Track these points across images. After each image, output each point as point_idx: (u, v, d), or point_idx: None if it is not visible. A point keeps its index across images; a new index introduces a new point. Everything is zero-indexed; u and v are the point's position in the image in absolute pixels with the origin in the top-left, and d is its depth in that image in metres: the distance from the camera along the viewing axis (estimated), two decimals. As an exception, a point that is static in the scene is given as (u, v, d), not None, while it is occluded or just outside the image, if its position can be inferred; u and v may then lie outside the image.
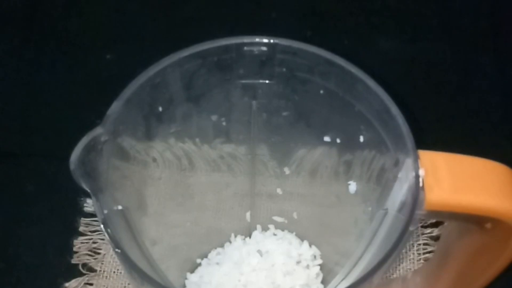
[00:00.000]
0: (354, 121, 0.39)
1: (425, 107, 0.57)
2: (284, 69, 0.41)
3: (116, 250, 0.33)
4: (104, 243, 0.51)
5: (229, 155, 0.47)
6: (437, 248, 0.49)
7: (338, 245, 0.47)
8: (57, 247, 0.50)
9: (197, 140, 0.45)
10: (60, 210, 0.52)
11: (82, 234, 0.51)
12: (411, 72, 0.61)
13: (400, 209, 0.36)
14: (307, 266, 0.48)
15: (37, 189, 0.54)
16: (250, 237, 0.50)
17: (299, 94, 0.42)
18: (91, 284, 0.49)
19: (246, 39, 0.40)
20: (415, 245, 0.51)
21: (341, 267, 0.45)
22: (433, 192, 0.33)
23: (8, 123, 0.59)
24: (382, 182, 0.39)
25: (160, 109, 0.41)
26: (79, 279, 0.49)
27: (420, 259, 0.50)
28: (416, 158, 0.34)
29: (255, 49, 0.40)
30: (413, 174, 0.34)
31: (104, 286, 0.49)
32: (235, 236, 0.50)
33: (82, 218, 0.52)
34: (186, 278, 0.48)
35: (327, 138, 0.44)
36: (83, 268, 0.50)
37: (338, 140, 0.43)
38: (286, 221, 0.50)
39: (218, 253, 0.49)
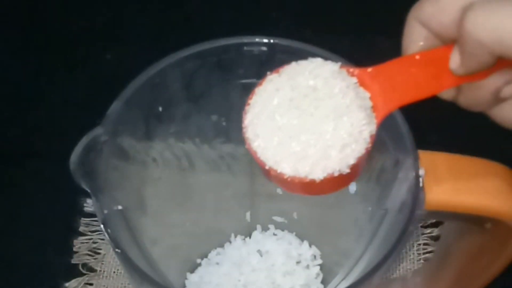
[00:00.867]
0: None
1: (425, 107, 0.57)
2: (284, 69, 0.41)
3: (116, 250, 0.33)
4: (104, 243, 0.51)
5: (229, 155, 0.47)
6: (437, 248, 0.49)
7: (338, 245, 0.47)
8: (57, 247, 0.50)
9: (197, 140, 0.45)
10: (60, 210, 0.52)
11: (82, 234, 0.51)
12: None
13: (400, 209, 0.36)
14: (307, 266, 0.48)
15: (37, 189, 0.54)
16: (250, 237, 0.50)
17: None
18: (91, 284, 0.49)
19: (246, 39, 0.40)
20: (415, 245, 0.51)
21: (341, 267, 0.45)
22: (433, 192, 0.33)
23: (8, 123, 0.59)
24: (382, 182, 0.39)
25: (160, 109, 0.41)
26: (79, 279, 0.49)
27: (420, 259, 0.50)
28: (416, 158, 0.34)
29: (255, 49, 0.40)
30: (413, 174, 0.34)
31: (104, 286, 0.49)
32: (235, 236, 0.50)
33: (82, 218, 0.52)
34: (186, 278, 0.48)
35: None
36: (83, 268, 0.50)
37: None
38: (286, 221, 0.50)
39: (218, 253, 0.49)
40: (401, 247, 0.33)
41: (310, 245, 0.49)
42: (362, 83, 0.31)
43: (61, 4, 0.67)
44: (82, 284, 0.49)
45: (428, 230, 0.51)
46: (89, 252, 0.50)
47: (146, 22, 0.66)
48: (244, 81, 0.42)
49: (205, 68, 0.40)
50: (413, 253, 0.51)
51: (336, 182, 0.31)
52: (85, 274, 0.49)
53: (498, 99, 0.30)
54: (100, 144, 0.35)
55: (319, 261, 0.48)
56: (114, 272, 0.50)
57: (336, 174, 0.30)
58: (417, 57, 0.31)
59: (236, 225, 0.50)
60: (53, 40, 0.64)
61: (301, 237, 0.50)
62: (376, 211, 0.39)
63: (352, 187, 0.43)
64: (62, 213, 0.52)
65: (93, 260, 0.50)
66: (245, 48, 0.40)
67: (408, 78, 0.31)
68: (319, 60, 0.32)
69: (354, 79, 0.31)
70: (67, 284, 0.49)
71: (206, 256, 0.49)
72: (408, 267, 0.50)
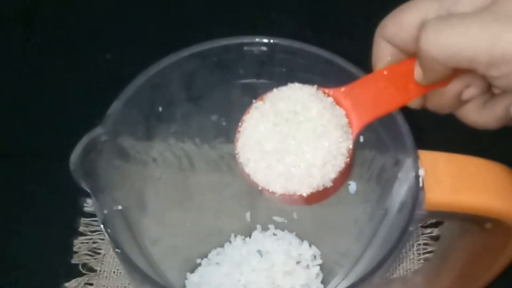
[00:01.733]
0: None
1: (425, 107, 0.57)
2: (284, 69, 0.41)
3: (116, 250, 0.33)
4: (104, 243, 0.51)
5: (229, 155, 0.47)
6: (437, 248, 0.49)
7: (338, 245, 0.47)
8: (57, 247, 0.50)
9: (197, 140, 0.45)
10: (60, 210, 0.52)
11: (82, 234, 0.51)
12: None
13: (400, 209, 0.36)
14: (307, 266, 0.48)
15: (37, 189, 0.54)
16: (250, 237, 0.50)
17: (299, 94, 0.42)
18: (91, 284, 0.49)
19: (246, 39, 0.40)
20: (415, 245, 0.51)
21: (341, 267, 0.45)
22: (433, 192, 0.33)
23: (8, 123, 0.59)
24: (382, 182, 0.39)
25: (160, 109, 0.41)
26: (79, 279, 0.49)
27: (420, 259, 0.50)
28: (416, 158, 0.34)
29: (255, 49, 0.40)
30: (413, 174, 0.34)
31: (104, 286, 0.49)
32: (235, 236, 0.50)
33: (82, 218, 0.52)
34: (186, 278, 0.48)
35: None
36: (83, 268, 0.50)
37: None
38: (286, 221, 0.50)
39: (218, 253, 0.49)
40: (401, 247, 0.33)
41: (310, 245, 0.49)
42: (337, 102, 0.35)
43: (61, 4, 0.67)
44: (82, 284, 0.49)
45: (428, 230, 0.51)
46: (89, 252, 0.50)
47: (146, 22, 0.66)
48: (244, 81, 0.42)
49: (205, 68, 0.40)
50: (413, 253, 0.51)
51: (323, 194, 0.35)
52: (85, 274, 0.49)
53: (460, 101, 0.33)
54: (100, 144, 0.35)
55: (319, 261, 0.48)
56: (114, 272, 0.50)
57: (320, 188, 0.34)
58: (385, 72, 0.34)
59: (236, 225, 0.50)
60: (53, 40, 0.64)
61: (301, 237, 0.50)
62: (376, 211, 0.39)
63: (352, 187, 0.43)
64: (62, 213, 0.52)
65: (93, 260, 0.50)
66: (245, 48, 0.40)
67: (378, 93, 0.34)
68: (297, 85, 0.35)
69: (330, 99, 0.35)
70: (67, 284, 0.49)
71: (206, 256, 0.49)
72: (408, 267, 0.50)
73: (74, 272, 0.49)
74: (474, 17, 0.29)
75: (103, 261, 0.50)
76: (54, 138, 0.56)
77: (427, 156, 0.34)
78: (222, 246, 0.50)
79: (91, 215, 0.52)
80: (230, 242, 0.50)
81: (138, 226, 0.39)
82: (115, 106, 0.37)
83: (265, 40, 0.40)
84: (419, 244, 0.51)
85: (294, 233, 0.50)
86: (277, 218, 0.50)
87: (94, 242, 0.51)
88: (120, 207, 0.37)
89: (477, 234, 0.38)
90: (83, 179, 0.34)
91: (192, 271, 0.49)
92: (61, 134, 0.54)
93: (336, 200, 0.46)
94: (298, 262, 0.48)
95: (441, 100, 0.33)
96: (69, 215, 0.52)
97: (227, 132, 0.45)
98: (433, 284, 0.45)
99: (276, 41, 0.40)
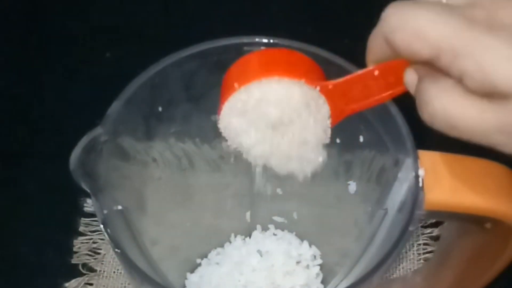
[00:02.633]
0: (354, 121, 0.39)
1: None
2: (284, 69, 0.41)
3: (116, 250, 0.33)
4: (104, 243, 0.51)
5: (229, 155, 0.47)
6: (437, 248, 0.49)
7: (338, 245, 0.47)
8: (57, 247, 0.50)
9: (197, 140, 0.45)
10: (60, 210, 0.52)
11: (82, 234, 0.51)
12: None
13: (400, 209, 0.36)
14: (307, 266, 0.48)
15: (37, 189, 0.54)
16: (250, 237, 0.50)
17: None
18: (91, 284, 0.49)
19: (246, 39, 0.40)
20: (415, 245, 0.51)
21: (341, 267, 0.45)
22: (433, 192, 0.33)
23: (8, 123, 0.59)
24: (382, 182, 0.39)
25: (160, 109, 0.41)
26: (79, 279, 0.49)
27: (420, 259, 0.50)
28: (416, 158, 0.34)
29: (255, 49, 0.40)
30: (413, 174, 0.34)
31: (104, 286, 0.49)
32: (235, 236, 0.50)
33: (82, 218, 0.52)
34: (186, 278, 0.48)
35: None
36: (83, 268, 0.50)
37: (338, 140, 0.43)
38: (286, 221, 0.50)
39: (218, 253, 0.49)
40: (401, 247, 0.33)
41: (310, 245, 0.49)
42: (323, 93, 0.34)
43: (61, 4, 0.67)
44: (82, 284, 0.49)
45: (428, 230, 0.51)
46: (89, 252, 0.50)
47: (146, 22, 0.66)
48: (244, 81, 0.42)
49: (205, 68, 0.40)
50: (413, 253, 0.51)
51: None
52: (85, 274, 0.49)
53: None
54: (100, 144, 0.35)
55: (319, 261, 0.48)
56: (114, 272, 0.50)
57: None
58: (376, 72, 0.33)
59: (236, 225, 0.50)
60: (53, 40, 0.64)
61: (301, 237, 0.50)
62: (376, 211, 0.39)
63: (352, 187, 0.43)
64: (62, 213, 0.52)
65: (93, 260, 0.50)
66: (245, 48, 0.40)
67: (363, 89, 0.34)
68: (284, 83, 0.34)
69: (316, 92, 0.34)
70: (67, 284, 0.49)
71: (206, 256, 0.49)
72: (408, 267, 0.50)
73: (74, 272, 0.49)
74: None
75: (103, 261, 0.50)
76: (54, 138, 0.56)
77: (427, 156, 0.34)
78: (222, 246, 0.50)
79: (91, 215, 0.52)
80: (230, 242, 0.50)
81: (138, 226, 0.39)
82: (115, 106, 0.37)
83: (265, 40, 0.40)
84: (419, 244, 0.51)
85: (294, 233, 0.50)
86: (277, 218, 0.50)
87: (94, 242, 0.51)
88: (120, 207, 0.37)
89: (477, 234, 0.38)
90: (83, 179, 0.34)
91: (192, 271, 0.49)
92: (61, 134, 0.54)
93: (336, 200, 0.46)
94: (298, 262, 0.48)
95: None
96: (69, 215, 0.52)
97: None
98: (433, 284, 0.45)
99: (276, 41, 0.40)
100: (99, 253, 0.51)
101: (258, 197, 0.49)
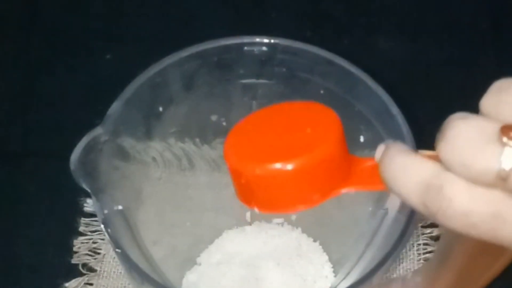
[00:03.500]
0: (354, 121, 0.39)
1: (425, 107, 0.57)
2: (284, 69, 0.41)
3: (116, 250, 0.33)
4: (104, 243, 0.51)
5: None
6: (437, 248, 0.49)
7: (338, 245, 0.47)
8: (57, 247, 0.50)
9: (197, 140, 0.45)
10: (60, 210, 0.52)
11: (82, 234, 0.51)
12: (411, 72, 0.61)
13: (400, 209, 0.36)
14: (310, 260, 0.48)
15: (37, 189, 0.54)
16: (249, 237, 0.50)
17: (299, 94, 0.42)
18: (91, 284, 0.49)
19: (246, 39, 0.40)
20: (415, 245, 0.51)
21: (341, 267, 0.45)
22: (433, 192, 0.33)
23: (8, 123, 0.59)
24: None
25: (160, 109, 0.41)
26: (79, 279, 0.49)
27: (420, 259, 0.50)
28: (416, 158, 0.34)
29: (255, 49, 0.40)
30: (413, 174, 0.34)
31: (104, 286, 0.49)
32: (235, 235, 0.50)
33: (82, 218, 0.52)
34: (185, 278, 0.48)
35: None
36: (83, 268, 0.50)
37: (338, 140, 0.43)
38: (285, 222, 0.50)
39: (218, 253, 0.49)
40: (401, 247, 0.33)
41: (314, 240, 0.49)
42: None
43: (61, 4, 0.67)
44: (82, 284, 0.49)
45: (428, 230, 0.51)
46: (89, 252, 0.50)
47: (146, 22, 0.66)
48: (244, 81, 0.42)
49: (205, 68, 0.40)
50: (413, 253, 0.51)
51: None
52: (85, 274, 0.49)
53: None
54: (100, 144, 0.35)
55: (323, 255, 0.48)
56: (114, 272, 0.50)
57: None
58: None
59: (236, 225, 0.50)
60: (53, 40, 0.64)
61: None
62: (376, 211, 0.39)
63: (352, 187, 0.43)
64: (62, 213, 0.52)
65: (93, 260, 0.50)
66: (245, 48, 0.40)
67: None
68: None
69: None
70: (67, 284, 0.49)
71: (206, 256, 0.49)
72: (408, 267, 0.50)
73: (74, 272, 0.49)
74: None
75: (103, 261, 0.50)
76: (54, 138, 0.56)
77: (427, 156, 0.34)
78: (222, 245, 0.50)
79: (91, 215, 0.52)
80: (230, 241, 0.50)
81: (138, 226, 0.39)
82: (115, 106, 0.37)
83: (265, 40, 0.40)
84: (419, 244, 0.51)
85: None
86: (277, 220, 0.50)
87: (94, 242, 0.51)
88: (120, 207, 0.37)
89: (477, 234, 0.38)
90: (83, 179, 0.34)
91: (191, 271, 0.49)
92: (61, 134, 0.54)
93: (337, 200, 0.46)
94: (299, 255, 0.48)
95: None
96: (69, 215, 0.52)
97: (227, 132, 0.45)
98: (433, 284, 0.45)
99: (276, 41, 0.40)
100: (99, 253, 0.50)
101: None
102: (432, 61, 0.62)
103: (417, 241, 0.51)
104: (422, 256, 0.50)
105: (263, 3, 0.67)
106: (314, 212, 0.48)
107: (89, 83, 0.60)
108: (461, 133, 0.22)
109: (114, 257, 0.50)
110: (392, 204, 0.37)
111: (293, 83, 0.41)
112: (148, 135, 0.42)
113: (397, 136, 0.36)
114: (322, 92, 0.40)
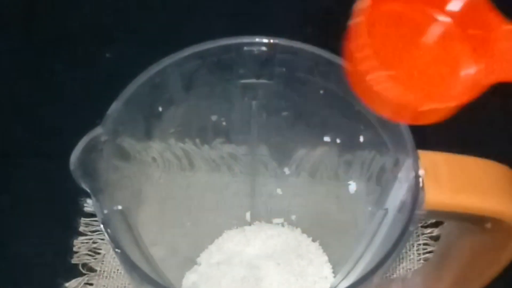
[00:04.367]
0: (354, 121, 0.39)
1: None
2: (284, 69, 0.41)
3: (116, 250, 0.33)
4: (104, 243, 0.51)
5: (229, 155, 0.47)
6: (437, 248, 0.49)
7: (338, 245, 0.47)
8: (57, 247, 0.50)
9: (197, 140, 0.45)
10: (60, 210, 0.52)
11: (82, 234, 0.51)
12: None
13: (400, 209, 0.36)
14: (311, 261, 0.48)
15: (37, 189, 0.54)
16: (249, 237, 0.50)
17: (299, 94, 0.42)
18: (91, 284, 0.49)
19: (246, 39, 0.40)
20: (415, 245, 0.51)
21: (341, 267, 0.45)
22: (433, 192, 0.33)
23: (8, 123, 0.59)
24: (382, 182, 0.39)
25: (160, 109, 0.41)
26: (79, 279, 0.49)
27: (420, 259, 0.50)
28: (416, 158, 0.34)
29: (255, 49, 0.40)
30: (413, 174, 0.34)
31: (104, 286, 0.49)
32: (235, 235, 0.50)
33: (82, 218, 0.52)
34: (185, 278, 0.48)
35: (327, 138, 0.44)
36: (83, 268, 0.50)
37: (338, 140, 0.43)
38: (285, 222, 0.50)
39: (218, 253, 0.49)
40: (401, 247, 0.33)
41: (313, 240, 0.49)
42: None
43: (61, 4, 0.67)
44: (82, 284, 0.49)
45: (428, 230, 0.51)
46: (89, 252, 0.50)
47: (146, 22, 0.66)
48: (244, 81, 0.42)
49: (205, 68, 0.40)
50: (413, 253, 0.51)
51: None
52: (85, 274, 0.49)
53: None
54: (100, 144, 0.35)
55: (323, 255, 0.48)
56: (114, 272, 0.50)
57: None
58: None
59: (236, 225, 0.50)
60: (53, 40, 0.64)
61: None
62: (376, 211, 0.39)
63: (352, 187, 0.43)
64: (62, 213, 0.52)
65: (93, 260, 0.50)
66: (245, 48, 0.40)
67: None
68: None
69: None
70: (67, 284, 0.49)
71: (206, 256, 0.49)
72: (408, 267, 0.50)
73: (74, 272, 0.49)
74: None
75: (103, 261, 0.50)
76: (54, 138, 0.56)
77: (427, 156, 0.34)
78: (222, 245, 0.50)
79: (91, 215, 0.52)
80: (230, 241, 0.50)
81: (138, 226, 0.39)
82: (115, 106, 0.37)
83: (265, 40, 0.40)
84: (419, 244, 0.51)
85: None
86: (277, 220, 0.50)
87: (94, 242, 0.51)
88: (120, 207, 0.37)
89: (477, 234, 0.38)
90: (83, 179, 0.34)
91: (191, 271, 0.49)
92: (61, 134, 0.54)
93: (336, 200, 0.46)
94: (299, 255, 0.48)
95: None
96: (69, 215, 0.52)
97: (227, 132, 0.45)
98: (433, 284, 0.45)
99: (276, 41, 0.40)
100: (99, 253, 0.51)
101: (258, 197, 0.49)
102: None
103: (417, 241, 0.51)
104: (422, 256, 0.50)
105: (263, 3, 0.67)
106: (314, 212, 0.48)
107: (89, 83, 0.60)
108: None
109: (114, 257, 0.50)
110: (392, 204, 0.37)
111: (293, 83, 0.41)
112: (148, 135, 0.42)
113: (397, 136, 0.36)
114: (322, 92, 0.40)
